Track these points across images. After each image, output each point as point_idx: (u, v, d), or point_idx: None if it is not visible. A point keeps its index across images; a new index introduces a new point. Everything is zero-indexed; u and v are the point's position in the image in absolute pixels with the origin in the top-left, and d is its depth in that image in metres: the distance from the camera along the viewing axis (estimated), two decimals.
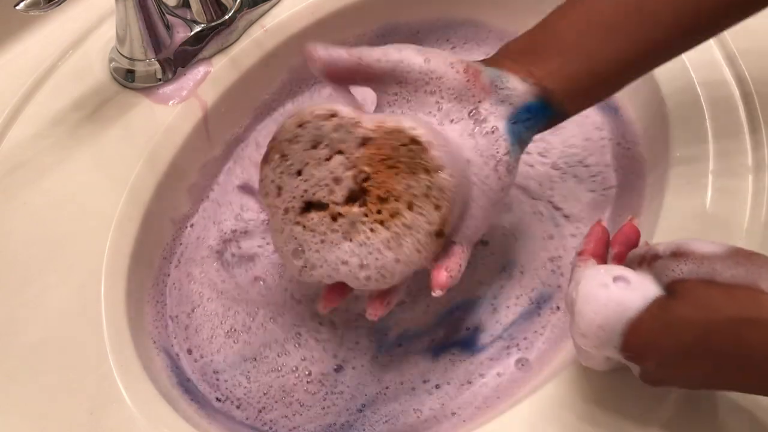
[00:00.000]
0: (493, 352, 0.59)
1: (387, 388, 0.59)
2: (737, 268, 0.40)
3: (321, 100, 0.73)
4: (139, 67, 0.65)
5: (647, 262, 0.44)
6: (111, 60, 0.67)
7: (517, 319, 0.61)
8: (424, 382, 0.59)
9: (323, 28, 0.72)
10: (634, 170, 0.64)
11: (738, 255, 0.41)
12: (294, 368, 0.59)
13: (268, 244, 0.65)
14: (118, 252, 0.58)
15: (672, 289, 0.42)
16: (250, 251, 0.65)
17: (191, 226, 0.66)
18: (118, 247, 0.58)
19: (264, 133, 0.70)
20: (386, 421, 0.57)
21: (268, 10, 0.70)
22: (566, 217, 0.65)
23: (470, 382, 0.58)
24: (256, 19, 0.70)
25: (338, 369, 0.59)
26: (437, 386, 0.58)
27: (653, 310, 0.41)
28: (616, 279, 0.43)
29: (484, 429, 0.50)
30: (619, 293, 0.42)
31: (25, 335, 0.55)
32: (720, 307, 0.40)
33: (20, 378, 0.53)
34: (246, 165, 0.69)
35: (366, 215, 0.49)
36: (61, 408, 0.52)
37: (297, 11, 0.71)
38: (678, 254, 0.42)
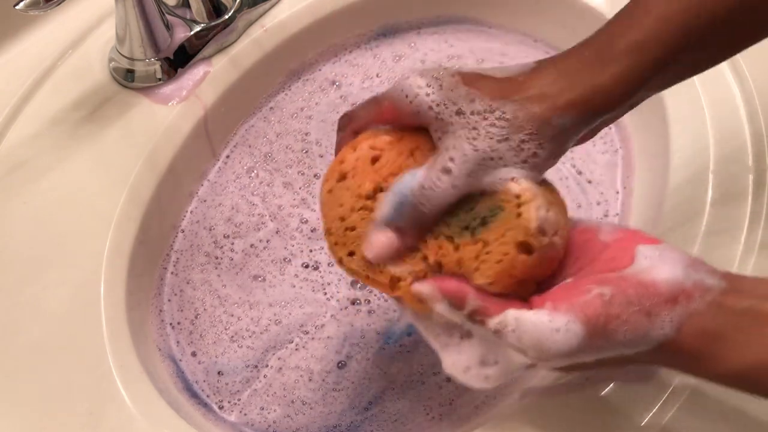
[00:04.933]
0: None
1: (394, 382, 0.58)
2: None
3: None
4: (139, 67, 0.65)
5: None
6: (111, 60, 0.67)
7: None
8: (435, 374, 0.58)
9: (323, 28, 0.72)
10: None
11: None
12: (296, 366, 0.60)
13: (261, 241, 0.65)
14: (118, 252, 0.58)
15: None
16: (245, 249, 0.65)
17: (187, 227, 0.66)
18: (117, 247, 0.58)
19: (252, 132, 0.70)
20: (396, 420, 0.57)
21: (268, 10, 0.70)
22: (589, 182, 0.65)
23: None
24: (256, 19, 0.70)
25: (342, 365, 0.59)
26: (448, 379, 0.58)
27: None
28: None
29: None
30: None
31: (25, 335, 0.55)
32: None
33: (20, 378, 0.53)
34: (236, 165, 0.69)
35: None
36: (61, 408, 0.52)
37: (297, 11, 0.71)
38: None
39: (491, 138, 0.42)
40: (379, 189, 0.45)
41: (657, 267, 0.40)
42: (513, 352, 0.41)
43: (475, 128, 0.42)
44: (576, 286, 0.40)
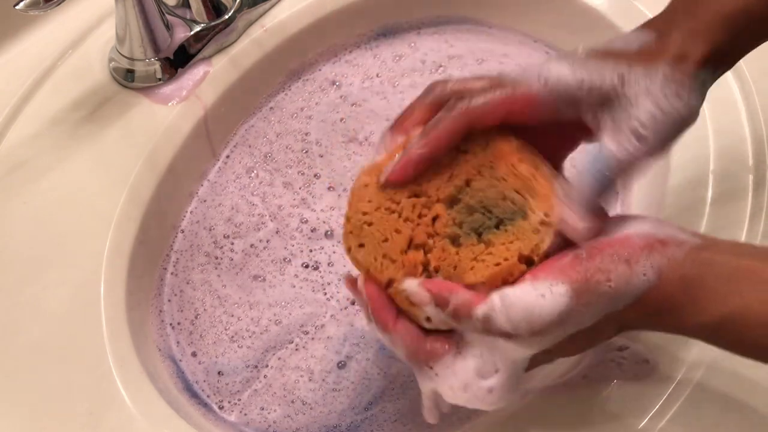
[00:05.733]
0: None
1: (394, 382, 0.58)
2: None
3: None
4: (139, 67, 0.65)
5: None
6: (111, 60, 0.67)
7: None
8: None
9: (323, 28, 0.72)
10: None
11: None
12: (296, 366, 0.60)
13: (261, 241, 0.65)
14: (118, 252, 0.58)
15: None
16: (245, 249, 0.65)
17: (187, 227, 0.66)
18: (117, 247, 0.58)
19: (252, 132, 0.70)
20: (395, 420, 0.57)
21: (268, 9, 0.70)
22: None
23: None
24: (256, 19, 0.70)
25: (342, 365, 0.59)
26: None
27: None
28: None
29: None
30: None
31: (25, 335, 0.55)
32: None
33: (20, 378, 0.53)
34: (236, 165, 0.69)
35: None
36: (61, 408, 0.52)
37: (297, 11, 0.71)
38: None
39: (671, 96, 0.41)
40: (414, 195, 0.44)
41: (627, 226, 0.41)
42: (510, 351, 0.41)
43: (649, 92, 0.41)
44: (552, 258, 0.41)
